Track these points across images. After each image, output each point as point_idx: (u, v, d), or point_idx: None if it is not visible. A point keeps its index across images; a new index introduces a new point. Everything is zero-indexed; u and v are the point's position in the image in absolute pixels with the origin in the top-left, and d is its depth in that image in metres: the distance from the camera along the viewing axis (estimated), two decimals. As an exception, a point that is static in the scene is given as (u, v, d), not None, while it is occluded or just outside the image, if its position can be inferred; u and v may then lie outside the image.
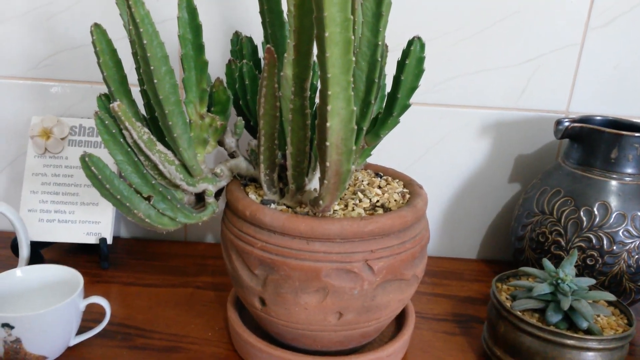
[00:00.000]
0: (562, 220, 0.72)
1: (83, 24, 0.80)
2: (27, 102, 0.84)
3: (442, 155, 0.86)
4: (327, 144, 0.43)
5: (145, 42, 0.45)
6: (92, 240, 0.78)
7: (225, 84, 0.56)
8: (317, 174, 0.56)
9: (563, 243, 0.71)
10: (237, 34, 0.66)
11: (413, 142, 0.85)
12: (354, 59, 0.40)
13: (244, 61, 0.58)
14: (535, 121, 0.84)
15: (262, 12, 0.55)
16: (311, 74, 0.45)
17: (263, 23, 0.56)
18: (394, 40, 0.67)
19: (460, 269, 0.87)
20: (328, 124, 0.42)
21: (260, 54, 0.67)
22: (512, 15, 0.79)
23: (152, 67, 0.47)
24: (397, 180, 0.64)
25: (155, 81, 0.47)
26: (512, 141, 0.86)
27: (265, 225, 0.51)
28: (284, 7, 0.55)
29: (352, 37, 0.39)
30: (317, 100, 0.45)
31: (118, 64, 0.53)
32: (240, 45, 0.64)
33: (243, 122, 0.61)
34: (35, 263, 0.66)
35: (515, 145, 0.86)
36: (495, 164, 0.87)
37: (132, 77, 0.55)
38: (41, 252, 0.79)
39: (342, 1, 0.37)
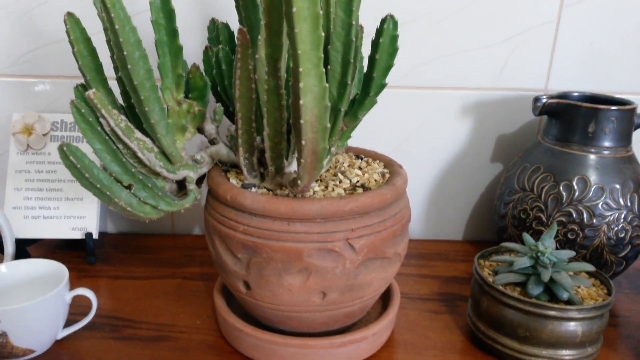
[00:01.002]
0: (543, 196, 0.73)
1: (61, 18, 0.80)
2: (8, 99, 0.84)
3: (425, 138, 0.87)
4: (302, 122, 0.43)
5: (117, 27, 0.46)
6: (78, 235, 0.78)
7: (202, 70, 0.57)
8: (295, 160, 0.56)
9: (544, 218, 0.72)
10: (213, 21, 0.66)
11: (395, 126, 0.86)
12: (323, 34, 0.40)
13: (220, 47, 0.58)
14: (514, 100, 0.85)
15: (235, -3, 0.56)
16: (284, 53, 0.46)
17: (237, 7, 0.56)
18: (372, 24, 0.68)
19: (446, 250, 0.87)
20: (301, 102, 0.42)
21: (237, 41, 0.67)
22: (487, -4, 0.79)
23: (125, 53, 0.47)
24: (378, 161, 0.64)
25: (129, 67, 0.47)
26: (493, 121, 0.86)
27: (246, 208, 0.52)
28: (257, -9, 0.55)
29: (321, 12, 0.39)
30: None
31: (93, 52, 0.53)
32: (216, 31, 0.64)
33: (222, 108, 0.61)
34: (20, 259, 0.66)
35: (496, 125, 0.87)
36: (477, 144, 0.87)
37: (110, 71, 0.55)
38: (27, 250, 0.79)
39: (308, -23, 0.38)
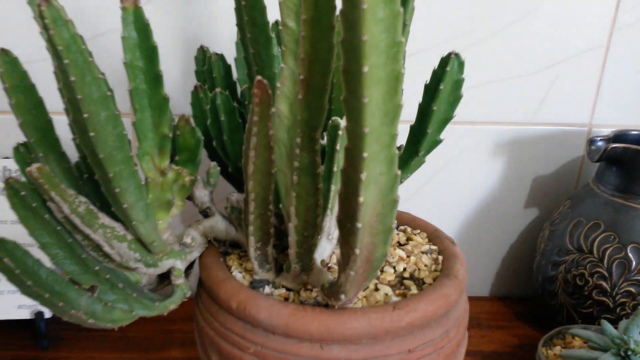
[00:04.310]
0: (605, 260, 0.60)
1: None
2: None
3: (450, 180, 0.73)
4: (358, 225, 0.29)
5: (73, 79, 0.30)
6: (26, 315, 0.61)
7: (192, 123, 0.41)
8: (326, 238, 0.42)
9: (607, 287, 0.60)
10: (203, 50, 0.51)
11: (417, 166, 0.72)
12: (402, 102, 0.26)
13: (217, 90, 0.43)
14: (554, 137, 0.72)
15: (240, 26, 0.40)
16: (325, 119, 0.31)
17: (242, 40, 0.41)
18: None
19: (476, 312, 0.74)
20: (361, 199, 0.28)
21: (235, 74, 0.52)
22: (527, 16, 0.66)
23: (85, 115, 0.31)
24: (419, 231, 0.50)
25: (91, 134, 0.32)
26: (528, 160, 0.73)
27: (261, 323, 0.37)
28: (270, 15, 0.40)
29: (403, 71, 0.25)
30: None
31: (38, 105, 0.37)
32: (208, 65, 0.49)
33: (218, 168, 0.46)
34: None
35: (531, 165, 0.74)
36: (509, 187, 0.74)
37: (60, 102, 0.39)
38: (-40, 332, 0.62)
39: (389, 15, 0.23)
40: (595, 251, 0.61)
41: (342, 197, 0.29)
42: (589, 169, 0.75)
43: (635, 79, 0.71)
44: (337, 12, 0.28)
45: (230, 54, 0.52)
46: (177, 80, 0.64)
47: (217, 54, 0.49)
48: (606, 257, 0.60)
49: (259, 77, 0.31)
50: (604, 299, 0.60)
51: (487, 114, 0.71)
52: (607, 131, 0.71)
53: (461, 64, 0.40)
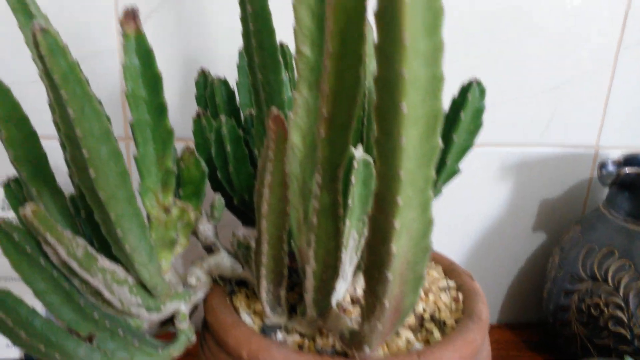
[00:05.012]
0: (621, 290, 0.58)
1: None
2: None
3: (457, 201, 0.71)
4: (388, 275, 0.26)
5: (71, 113, 0.27)
6: (15, 354, 0.58)
7: (197, 154, 0.39)
8: (341, 278, 0.39)
9: (624, 318, 0.57)
10: (204, 74, 0.49)
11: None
12: (441, 142, 0.23)
13: (223, 119, 0.40)
14: (561, 158, 0.71)
15: (247, 50, 0.38)
16: (348, 157, 0.29)
17: (249, 65, 0.38)
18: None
19: (484, 341, 0.71)
20: (393, 249, 0.25)
21: (237, 98, 0.49)
22: (532, 36, 0.65)
23: (85, 152, 0.28)
24: (434, 264, 0.48)
25: (92, 173, 0.29)
26: (536, 182, 0.72)
27: (275, 374, 0.34)
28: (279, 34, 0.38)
29: (443, 109, 0.22)
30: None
31: (31, 137, 0.34)
32: (211, 89, 0.46)
33: (223, 200, 0.43)
34: None
35: (538, 187, 0.72)
36: (517, 209, 0.72)
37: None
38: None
39: (431, 48, 0.21)
40: (610, 280, 0.59)
41: (369, 245, 0.27)
42: (596, 190, 0.73)
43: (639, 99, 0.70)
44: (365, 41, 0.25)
45: (229, 72, 0.50)
46: (175, 102, 0.62)
47: (220, 78, 0.46)
48: (622, 286, 0.58)
49: (275, 112, 0.29)
50: (621, 330, 0.58)
51: (493, 136, 0.69)
52: (614, 152, 0.70)
53: (482, 91, 0.38)
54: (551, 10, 0.64)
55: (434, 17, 0.20)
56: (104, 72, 0.59)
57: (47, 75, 0.27)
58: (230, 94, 0.47)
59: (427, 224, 0.26)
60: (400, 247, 0.25)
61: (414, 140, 0.23)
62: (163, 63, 0.60)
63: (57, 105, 0.28)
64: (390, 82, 0.22)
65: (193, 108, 0.47)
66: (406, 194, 0.24)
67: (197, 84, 0.49)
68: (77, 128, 0.28)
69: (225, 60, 0.60)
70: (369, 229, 0.27)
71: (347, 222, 0.37)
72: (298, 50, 0.32)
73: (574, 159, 0.71)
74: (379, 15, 0.21)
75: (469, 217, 0.72)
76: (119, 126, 0.61)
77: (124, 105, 0.61)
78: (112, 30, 0.58)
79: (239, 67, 0.50)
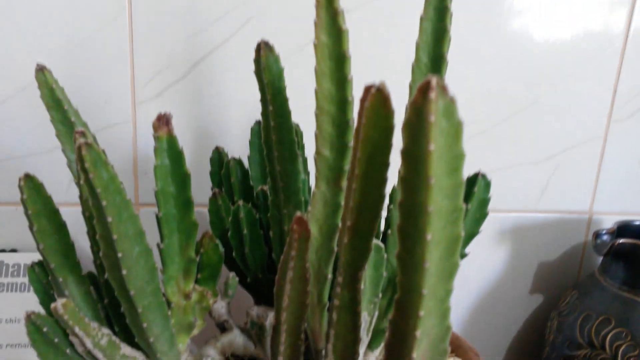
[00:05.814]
0: (619, 358, 0.59)
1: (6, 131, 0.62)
2: None
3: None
4: (409, 378, 0.28)
5: (109, 220, 0.29)
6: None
7: (215, 239, 0.40)
8: None
9: (623, 386, 0.59)
10: (218, 152, 0.51)
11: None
12: (460, 260, 0.25)
13: (240, 203, 0.42)
14: (556, 224, 0.73)
15: (266, 143, 0.40)
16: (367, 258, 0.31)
17: (268, 155, 0.40)
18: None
19: (484, 405, 0.72)
20: (414, 356, 0.27)
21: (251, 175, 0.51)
22: (528, 108, 0.68)
23: (119, 254, 0.30)
24: (439, 339, 0.49)
25: (124, 272, 0.31)
26: (532, 247, 0.74)
27: None
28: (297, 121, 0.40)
29: (463, 233, 0.25)
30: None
31: (61, 229, 0.36)
32: (226, 169, 0.49)
33: (237, 279, 0.44)
34: None
35: (535, 251, 0.74)
36: (514, 273, 0.74)
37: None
38: None
39: (452, 185, 0.23)
40: (607, 348, 0.60)
41: (389, 349, 0.28)
42: (591, 254, 0.75)
43: (632, 168, 0.73)
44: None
45: (240, 141, 0.52)
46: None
47: (235, 158, 0.49)
48: (619, 355, 0.59)
49: (298, 214, 0.31)
50: (620, 398, 0.59)
51: (491, 202, 0.71)
52: (608, 219, 0.72)
53: (487, 184, 0.40)
54: (547, 88, 0.67)
55: (456, 160, 0.23)
56: (119, 141, 0.62)
57: (89, 186, 0.29)
58: (244, 172, 0.49)
59: (445, 330, 0.27)
60: (419, 353, 0.27)
61: (435, 260, 0.25)
62: (177, 129, 0.62)
63: (96, 212, 0.30)
64: (414, 211, 0.24)
65: (202, 170, 0.49)
66: (427, 306, 0.26)
67: (211, 160, 0.51)
68: (114, 233, 0.29)
69: (236, 128, 0.63)
70: (390, 333, 0.28)
71: (365, 315, 0.39)
72: (318, 152, 0.35)
73: (569, 224, 0.73)
74: (405, 153, 0.23)
75: (467, 279, 0.74)
76: (130, 192, 0.63)
77: (136, 171, 0.63)
78: (127, 103, 0.61)
79: (251, 143, 0.53)
